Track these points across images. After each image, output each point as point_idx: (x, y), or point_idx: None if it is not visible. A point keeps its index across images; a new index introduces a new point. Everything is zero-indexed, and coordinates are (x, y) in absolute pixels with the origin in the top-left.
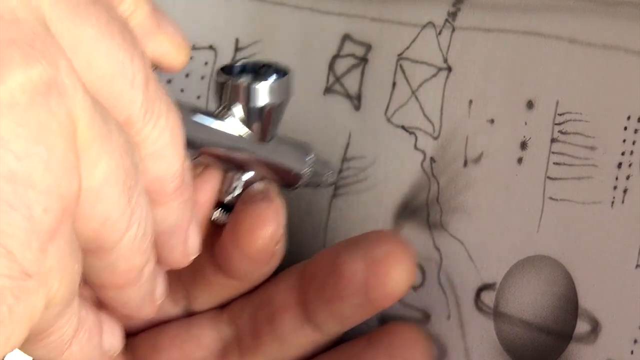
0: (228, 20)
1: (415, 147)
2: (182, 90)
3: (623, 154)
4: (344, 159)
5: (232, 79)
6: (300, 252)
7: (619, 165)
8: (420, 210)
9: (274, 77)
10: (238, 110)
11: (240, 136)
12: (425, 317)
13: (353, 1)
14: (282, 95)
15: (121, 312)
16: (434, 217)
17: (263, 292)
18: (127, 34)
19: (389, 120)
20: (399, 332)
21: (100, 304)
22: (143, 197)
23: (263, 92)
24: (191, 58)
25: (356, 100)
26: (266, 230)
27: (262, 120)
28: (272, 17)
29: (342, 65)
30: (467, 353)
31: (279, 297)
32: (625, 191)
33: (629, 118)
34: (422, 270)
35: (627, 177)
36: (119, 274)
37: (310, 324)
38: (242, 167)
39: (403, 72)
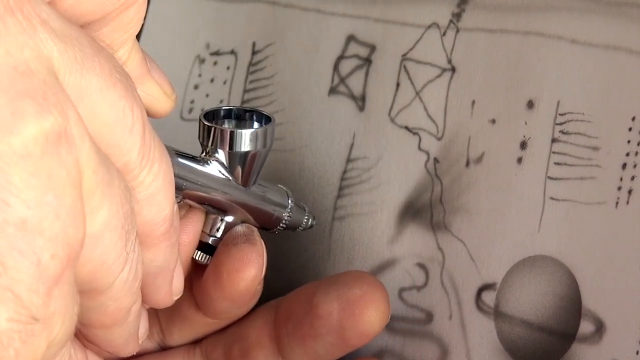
0: (246, 24)
1: (419, 148)
2: (207, 96)
3: (628, 154)
4: (348, 160)
5: (216, 124)
6: (305, 252)
7: (624, 166)
8: (423, 210)
9: (257, 124)
10: (221, 155)
11: (223, 180)
12: (428, 317)
13: (357, 2)
14: (266, 142)
15: (105, 350)
16: (437, 217)
17: (237, 327)
18: (127, 82)
19: (392, 120)
20: None
21: (84, 340)
22: (137, 240)
23: (246, 138)
24: (215, 63)
25: (360, 101)
26: (249, 273)
27: (245, 166)
28: (283, 20)
29: (346, 66)
30: (468, 353)
31: (254, 333)
32: (630, 192)
33: (633, 119)
34: (425, 270)
35: (632, 178)
36: (108, 314)
37: None
38: (224, 210)
39: (407, 72)
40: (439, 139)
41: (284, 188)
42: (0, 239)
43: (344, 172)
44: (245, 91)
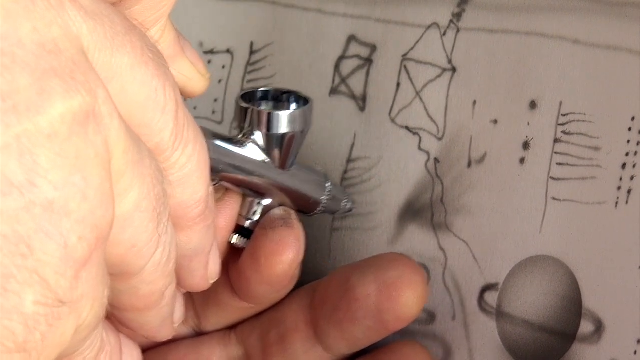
0: (244, 23)
1: (420, 148)
2: None
3: (627, 154)
4: (349, 160)
5: (254, 106)
6: (306, 252)
7: (623, 165)
8: (424, 210)
9: (295, 105)
10: (259, 136)
11: (260, 162)
12: (430, 318)
13: (358, 2)
14: (303, 124)
15: (139, 334)
16: (439, 217)
17: (273, 312)
18: (159, 61)
19: (393, 120)
20: (405, 351)
21: (118, 324)
22: (169, 222)
23: (284, 120)
24: (210, 62)
25: (361, 101)
26: (287, 256)
27: (283, 148)
28: (283, 20)
29: (347, 66)
30: (471, 353)
31: (290, 317)
32: (629, 192)
33: (633, 119)
34: (427, 270)
35: (632, 178)
36: (140, 298)
37: (321, 345)
38: (261, 193)
39: (407, 72)
40: (440, 139)
41: (323, 170)
42: (26, 221)
43: (345, 172)
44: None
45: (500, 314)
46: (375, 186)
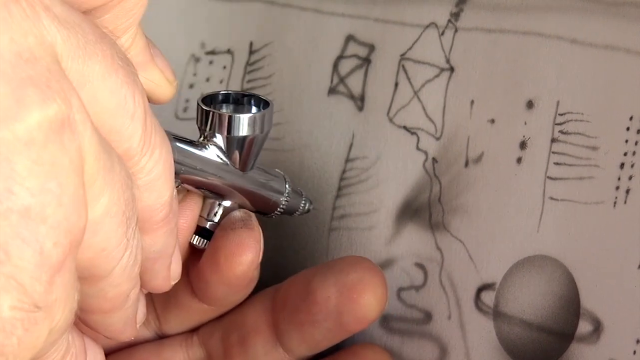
0: (243, 24)
1: (417, 148)
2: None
3: (625, 154)
4: (347, 159)
5: (215, 109)
6: (304, 251)
7: (622, 165)
8: (422, 210)
9: (255, 108)
10: (220, 139)
11: (221, 164)
12: (426, 317)
13: (356, 2)
14: (264, 127)
15: (103, 335)
16: (436, 217)
17: (234, 314)
18: (129, 69)
19: (391, 120)
20: (364, 354)
21: (82, 326)
22: (137, 226)
23: (244, 123)
24: (211, 62)
25: (359, 101)
26: (246, 257)
27: (243, 150)
28: (281, 19)
29: (345, 66)
30: (467, 353)
31: (251, 319)
32: (627, 191)
33: (631, 118)
34: (424, 270)
35: (630, 178)
36: (107, 300)
37: (282, 347)
38: (221, 195)
39: (405, 72)
40: (438, 138)
41: (282, 173)
42: (3, 227)
43: (343, 172)
44: (243, 91)
45: (497, 314)
46: (373, 186)
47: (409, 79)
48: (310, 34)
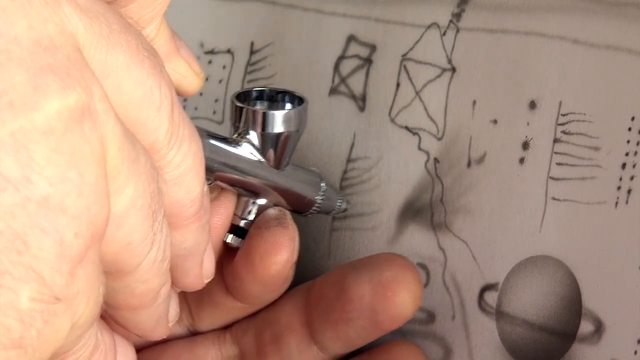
0: (244, 24)
1: (419, 148)
2: (200, 94)
3: (627, 154)
4: (349, 160)
5: (249, 105)
6: (306, 254)
7: (623, 165)
8: (424, 210)
9: (290, 105)
10: (254, 136)
11: (255, 162)
12: (430, 318)
13: (358, 2)
14: (298, 124)
15: (133, 333)
16: (438, 217)
17: (268, 312)
18: (155, 60)
19: (392, 120)
20: (400, 351)
21: (112, 323)
22: (165, 220)
23: (279, 120)
24: (210, 62)
25: (361, 101)
26: (281, 256)
27: (277, 148)
28: (283, 20)
29: (347, 66)
30: (470, 353)
31: (285, 317)
32: (629, 192)
33: (633, 119)
34: (426, 270)
35: (631, 178)
36: (135, 296)
37: (316, 345)
38: (256, 193)
39: (407, 72)
40: (439, 139)
41: (317, 170)
42: (22, 217)
43: (345, 172)
44: None
45: (500, 314)
46: (374, 186)
47: (410, 79)
48: (312, 34)
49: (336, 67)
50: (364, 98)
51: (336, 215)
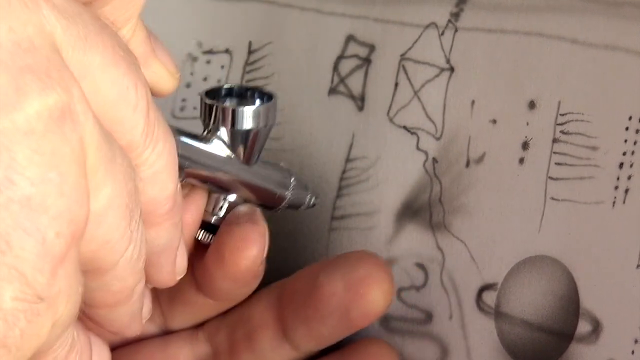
0: (242, 23)
1: (418, 148)
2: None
3: (624, 154)
4: (347, 159)
5: (218, 102)
6: (304, 252)
7: (621, 165)
8: (422, 210)
9: (259, 101)
10: (224, 133)
11: (225, 158)
12: (427, 318)
13: (357, 2)
14: (268, 120)
15: (108, 330)
16: (437, 217)
17: (240, 310)
18: (131, 60)
19: (391, 120)
20: (370, 348)
21: (87, 322)
22: (141, 219)
23: (248, 116)
24: (208, 62)
25: (359, 101)
26: (251, 252)
27: (247, 144)
28: (281, 19)
29: (346, 66)
30: (468, 353)
31: (257, 315)
32: (626, 191)
33: (630, 118)
34: (424, 270)
35: (629, 177)
36: (112, 294)
37: (288, 342)
38: (226, 189)
39: (405, 72)
40: (438, 138)
41: (287, 167)
42: (4, 217)
43: (343, 172)
44: None
45: (498, 314)
46: (373, 186)
47: (409, 79)
48: (311, 34)
49: (335, 67)
50: (362, 98)
51: (302, 210)
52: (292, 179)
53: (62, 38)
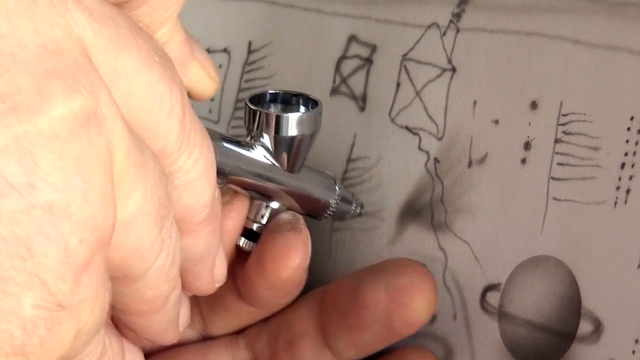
0: (241, 23)
1: (419, 148)
2: None
3: (626, 154)
4: (349, 160)
5: (262, 108)
6: None
7: (622, 165)
8: (424, 210)
9: (304, 107)
10: (267, 139)
11: (268, 165)
12: (431, 318)
13: (358, 2)
14: (312, 127)
15: (144, 338)
16: (439, 217)
17: (281, 317)
18: (166, 64)
19: (393, 120)
20: (413, 356)
21: (122, 328)
22: (174, 226)
23: (293, 123)
24: None
25: (361, 101)
26: (293, 261)
27: (291, 151)
28: (282, 20)
29: (348, 66)
30: (472, 354)
31: (299, 323)
32: (628, 191)
33: (632, 119)
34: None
35: (630, 178)
36: (144, 302)
37: (330, 350)
38: (269, 196)
39: (407, 72)
40: (440, 139)
41: (332, 174)
42: (26, 223)
43: (345, 172)
44: (240, 90)
45: (502, 314)
46: (375, 186)
47: (410, 79)
48: (313, 34)
49: (337, 67)
50: (364, 98)
51: (348, 219)
52: (337, 187)
53: (93, 41)
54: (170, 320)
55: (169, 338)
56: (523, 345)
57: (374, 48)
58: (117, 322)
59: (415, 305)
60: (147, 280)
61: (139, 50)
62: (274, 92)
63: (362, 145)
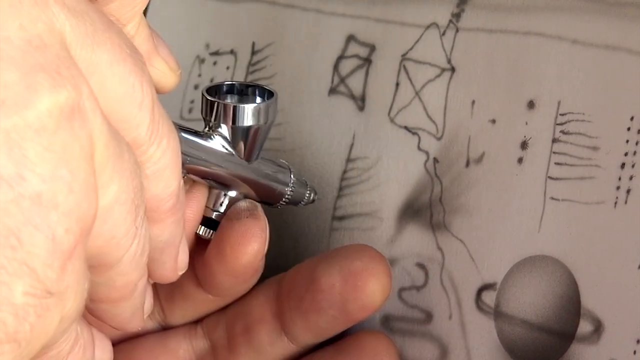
0: (245, 24)
1: (419, 148)
2: None
3: (626, 154)
4: (348, 159)
5: (219, 99)
6: (306, 253)
7: (622, 165)
8: (423, 210)
9: (260, 99)
10: (225, 129)
11: (226, 155)
12: (427, 317)
13: (357, 2)
14: (268, 117)
15: (110, 325)
16: (437, 217)
17: (239, 304)
18: (137, 58)
19: (392, 120)
20: (368, 341)
21: (89, 317)
22: (144, 215)
23: (249, 113)
24: (215, 63)
25: (360, 101)
26: (252, 247)
27: (248, 140)
28: (282, 20)
29: (346, 66)
30: (468, 353)
31: (256, 309)
32: (628, 191)
33: (632, 119)
34: (424, 270)
35: (630, 178)
36: (115, 289)
37: (287, 335)
38: (227, 185)
39: (406, 72)
40: (439, 138)
41: (287, 163)
42: (15, 213)
43: (344, 172)
44: None
45: (498, 314)
46: (374, 186)
47: (410, 79)
48: (311, 34)
49: (336, 67)
50: (363, 98)
51: (302, 207)
52: (292, 176)
53: (71, 36)
54: (136, 307)
55: (135, 324)
56: (521, 345)
57: (372, 48)
58: (85, 311)
59: (370, 289)
60: (120, 268)
61: (112, 44)
62: (230, 83)
63: (361, 145)
